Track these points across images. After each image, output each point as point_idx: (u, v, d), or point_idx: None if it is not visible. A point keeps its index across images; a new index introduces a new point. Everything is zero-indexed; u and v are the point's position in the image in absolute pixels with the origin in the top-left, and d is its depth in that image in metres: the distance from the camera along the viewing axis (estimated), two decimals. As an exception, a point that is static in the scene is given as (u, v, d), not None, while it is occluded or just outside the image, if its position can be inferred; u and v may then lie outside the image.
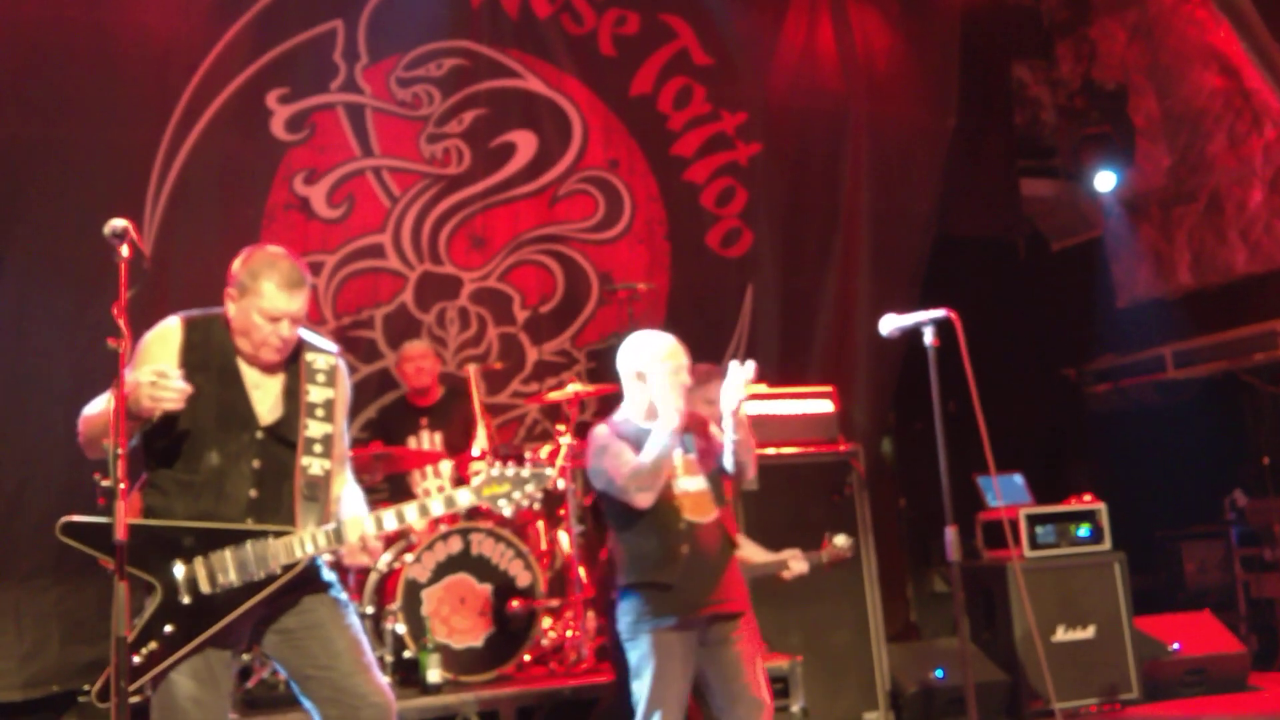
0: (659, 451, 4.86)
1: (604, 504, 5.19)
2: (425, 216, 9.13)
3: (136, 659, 3.78)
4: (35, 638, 7.56)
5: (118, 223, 3.79)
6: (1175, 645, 8.83)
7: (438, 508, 4.13)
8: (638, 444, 4.96)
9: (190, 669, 3.88)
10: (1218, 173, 10.76)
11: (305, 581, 4.07)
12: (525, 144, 9.48)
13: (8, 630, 7.52)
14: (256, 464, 4.03)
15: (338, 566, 5.00)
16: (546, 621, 7.36)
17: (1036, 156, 12.04)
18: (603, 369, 9.31)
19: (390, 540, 7.19)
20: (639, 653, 4.93)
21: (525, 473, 4.15)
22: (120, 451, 3.54)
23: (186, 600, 3.88)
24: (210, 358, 4.06)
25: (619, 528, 5.09)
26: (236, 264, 4.16)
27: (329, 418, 4.16)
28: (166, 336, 4.09)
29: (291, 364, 4.17)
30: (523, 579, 7.08)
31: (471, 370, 8.20)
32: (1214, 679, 8.75)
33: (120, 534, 3.51)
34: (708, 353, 9.80)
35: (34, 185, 7.89)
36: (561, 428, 7.97)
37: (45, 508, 7.52)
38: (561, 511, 7.63)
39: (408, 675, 6.78)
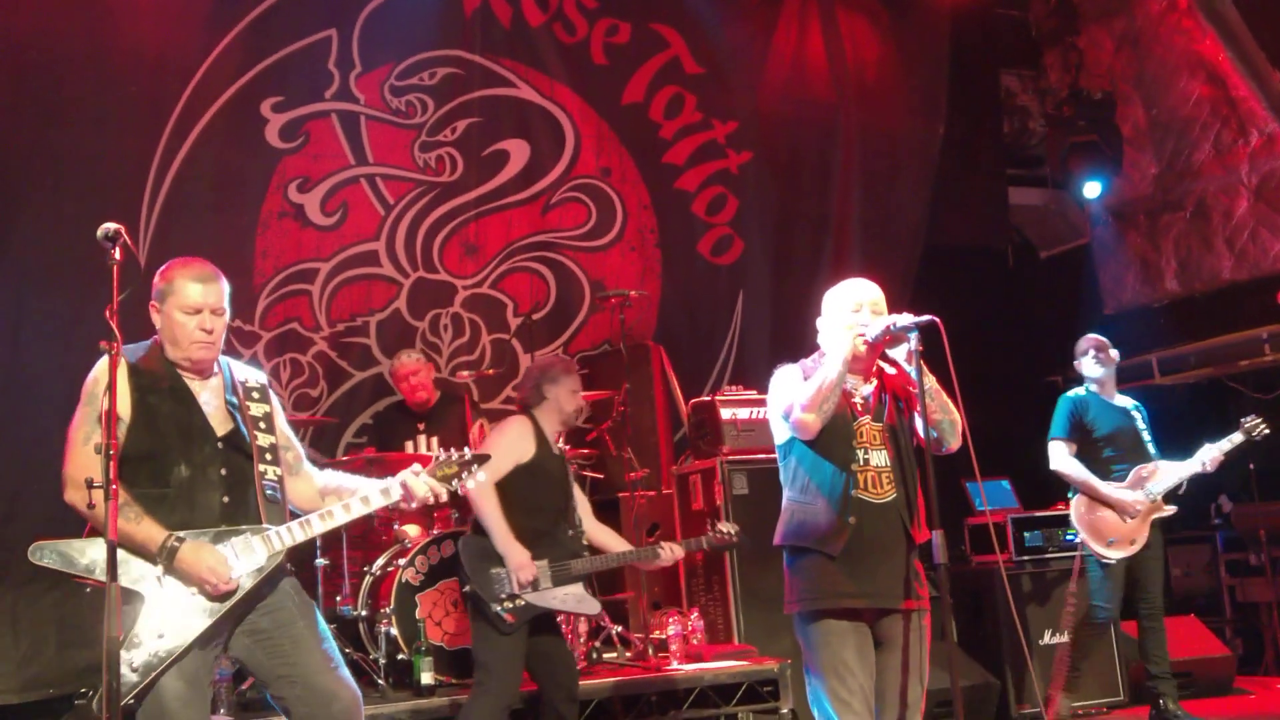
0: (820, 375, 4.62)
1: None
2: (419, 224, 9.20)
3: (133, 674, 3.88)
4: (32, 641, 7.58)
5: (110, 226, 3.94)
6: (1163, 649, 8.87)
7: (396, 490, 4.36)
8: None
9: (178, 670, 3.96)
10: (1204, 181, 10.83)
11: (280, 576, 4.24)
12: (518, 152, 9.55)
13: (4, 634, 7.54)
14: (223, 471, 4.18)
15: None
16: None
17: (1025, 165, 12.12)
18: (595, 375, 9.37)
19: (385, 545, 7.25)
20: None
21: (468, 455, 4.48)
22: (112, 453, 3.70)
23: (171, 606, 3.99)
24: (158, 380, 4.20)
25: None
26: (155, 280, 4.33)
27: (270, 429, 4.35)
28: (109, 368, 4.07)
29: (229, 383, 4.36)
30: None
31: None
32: (1200, 682, 8.79)
33: (111, 533, 3.65)
34: (699, 359, 9.94)
35: (29, 193, 7.93)
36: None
37: (41, 513, 7.52)
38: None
39: (401, 678, 6.82)
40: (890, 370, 4.90)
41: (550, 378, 6.13)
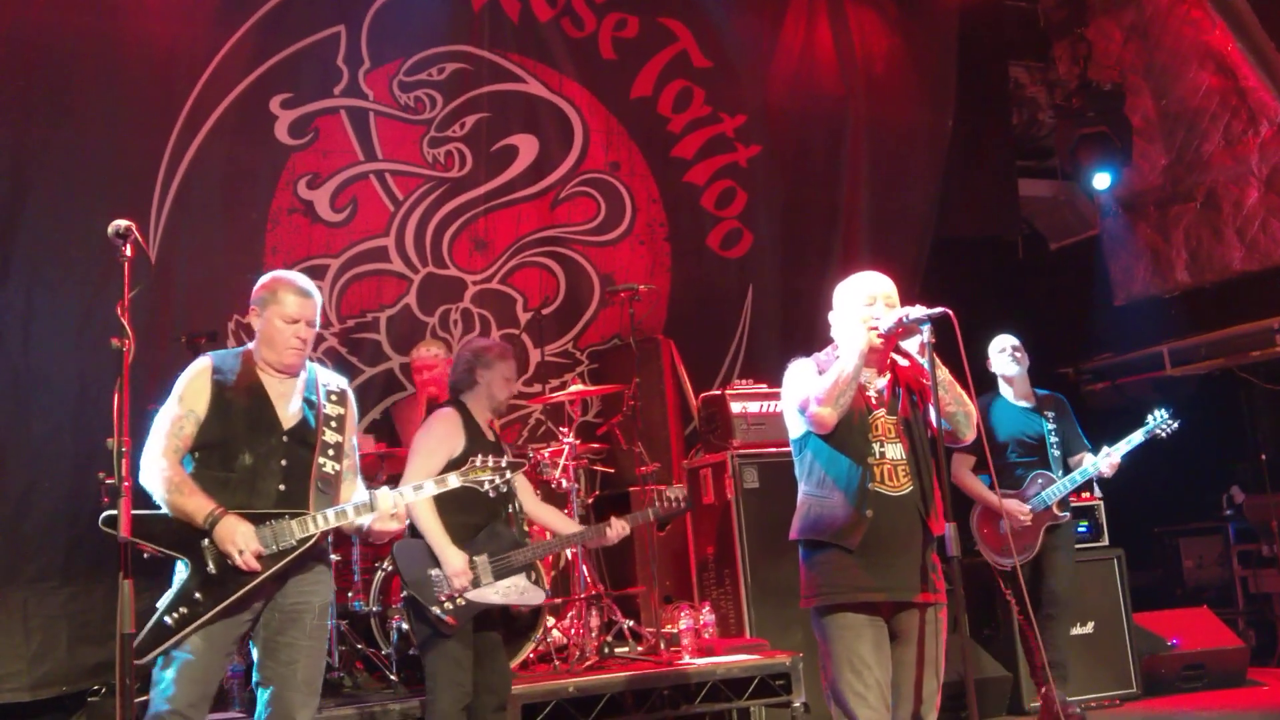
0: (836, 370, 4.64)
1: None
2: (428, 220, 9.19)
3: (169, 620, 4.39)
4: (43, 639, 7.59)
5: (120, 223, 4.20)
6: (1174, 641, 8.88)
7: (430, 488, 4.91)
8: None
9: (205, 631, 4.45)
10: (1214, 171, 10.80)
11: (315, 567, 4.72)
12: (527, 147, 9.54)
13: (16, 632, 7.55)
14: (284, 462, 4.64)
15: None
16: (550, 619, 7.40)
17: (1034, 157, 12.10)
18: (605, 370, 9.38)
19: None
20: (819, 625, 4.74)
21: (504, 462, 4.96)
22: (124, 450, 4.03)
23: (213, 570, 4.43)
24: (238, 378, 4.69)
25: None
26: (256, 288, 4.80)
27: (340, 430, 4.83)
28: (199, 371, 4.69)
29: (310, 383, 4.84)
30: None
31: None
32: (1213, 674, 8.80)
33: (125, 531, 4.07)
34: (708, 353, 9.92)
35: (40, 190, 7.93)
36: (564, 429, 8.02)
37: (52, 510, 7.59)
38: (565, 510, 7.68)
39: (413, 673, 6.82)
40: (903, 363, 4.89)
41: (484, 361, 6.04)
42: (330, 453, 4.73)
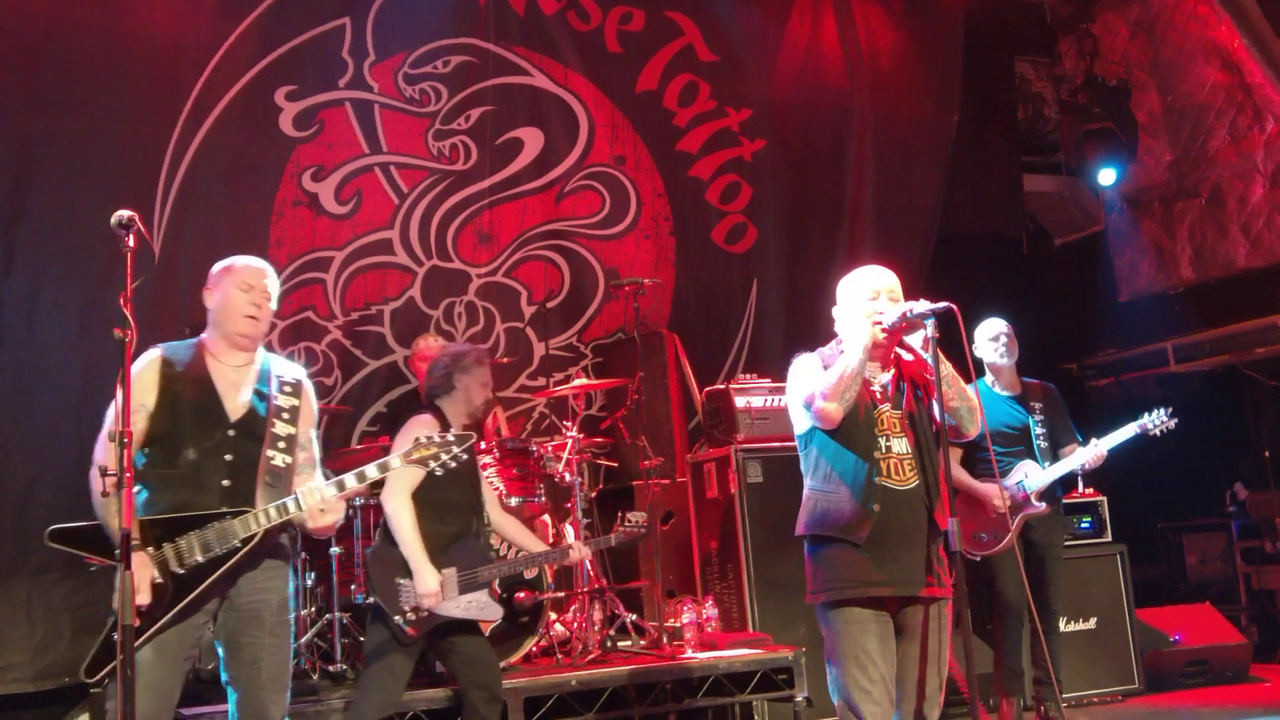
0: (841, 365, 4.62)
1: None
2: (433, 212, 9.20)
3: (117, 635, 4.10)
4: (46, 631, 7.61)
5: (123, 213, 4.11)
6: (1177, 637, 8.88)
7: (372, 472, 4.60)
8: None
9: (156, 641, 4.33)
10: (1219, 167, 10.80)
11: (267, 562, 4.56)
12: (532, 140, 9.54)
13: (19, 623, 7.57)
14: (229, 457, 4.49)
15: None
16: (553, 614, 7.41)
17: (1039, 152, 12.09)
18: (609, 364, 9.38)
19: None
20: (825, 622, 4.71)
21: (451, 437, 4.73)
22: (127, 440, 3.95)
23: (160, 580, 4.29)
24: (186, 370, 4.56)
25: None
26: (213, 271, 4.75)
27: (293, 421, 4.65)
28: (149, 365, 4.55)
29: (263, 373, 4.70)
30: (530, 571, 7.10)
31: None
32: (1215, 670, 8.80)
33: (126, 520, 3.91)
34: (713, 347, 9.92)
35: (44, 182, 7.95)
36: (567, 423, 8.02)
37: (56, 502, 7.58)
38: (568, 505, 7.69)
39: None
40: (907, 357, 4.89)
41: (462, 367, 6.05)
42: (281, 445, 4.57)
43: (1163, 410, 7.08)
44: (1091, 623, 8.42)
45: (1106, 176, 11.20)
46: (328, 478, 4.67)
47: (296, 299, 8.75)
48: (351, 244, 8.97)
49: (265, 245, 8.61)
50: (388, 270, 9.09)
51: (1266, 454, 10.52)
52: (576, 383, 8.23)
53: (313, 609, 7.08)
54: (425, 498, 5.73)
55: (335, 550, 6.95)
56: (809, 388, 4.71)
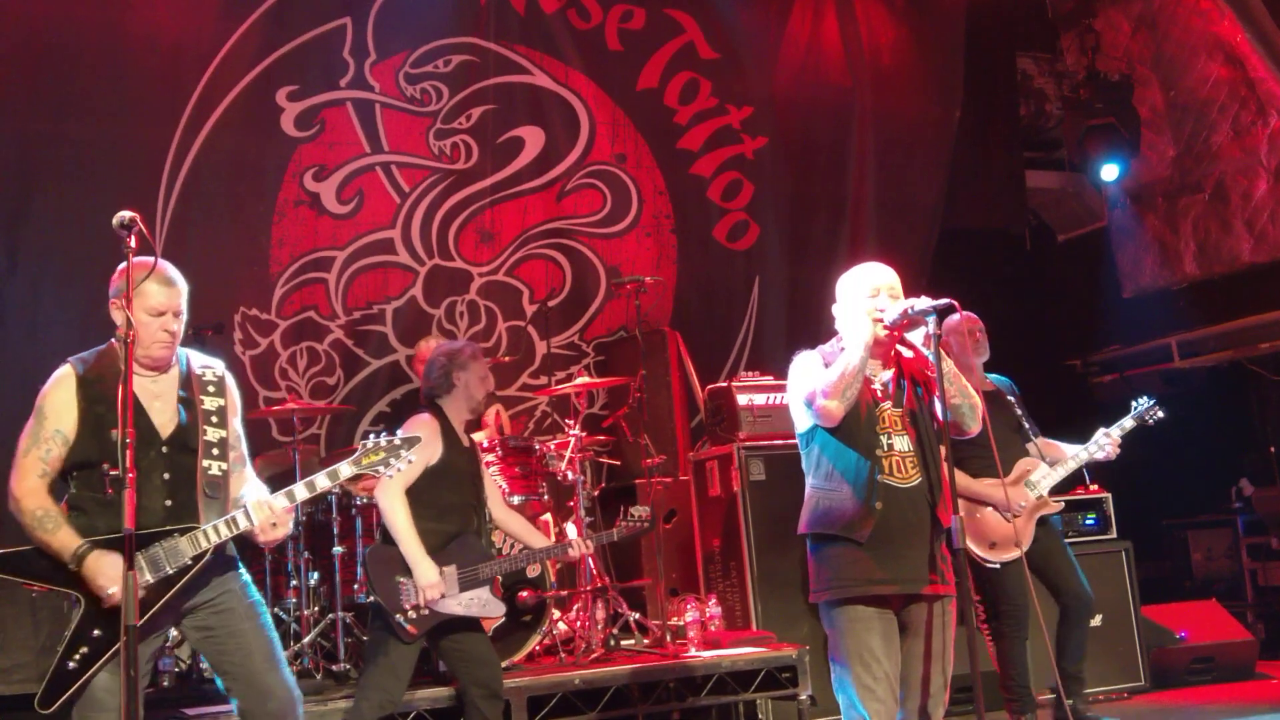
0: (842, 362, 4.59)
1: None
2: (434, 211, 9.20)
3: (71, 664, 4.14)
4: (50, 631, 7.59)
5: (125, 214, 4.05)
6: (1183, 634, 8.85)
7: (323, 481, 4.51)
8: None
9: (111, 664, 4.18)
10: (1223, 163, 10.79)
11: (217, 569, 4.43)
12: (533, 139, 9.54)
13: (24, 624, 7.56)
14: (166, 475, 4.34)
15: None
16: (556, 612, 7.40)
17: (1042, 148, 12.08)
18: (611, 362, 9.37)
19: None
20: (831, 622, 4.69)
21: (398, 440, 4.61)
22: (129, 441, 3.87)
23: (108, 605, 4.13)
24: (107, 388, 4.31)
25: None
26: (114, 278, 4.45)
27: (223, 424, 4.51)
28: (61, 382, 4.39)
29: (184, 376, 4.53)
30: (532, 570, 7.10)
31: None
32: (1221, 667, 8.77)
33: (129, 522, 3.84)
34: (715, 345, 9.92)
35: (46, 183, 7.97)
36: (570, 421, 8.01)
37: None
38: (570, 503, 7.68)
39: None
40: (907, 354, 4.87)
41: (459, 364, 6.05)
42: (215, 453, 4.42)
43: (1146, 398, 7.02)
44: (1097, 620, 8.34)
45: (1109, 172, 11.19)
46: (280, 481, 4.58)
47: (299, 299, 8.76)
48: (353, 243, 8.97)
49: (267, 245, 8.63)
50: (389, 269, 9.09)
51: (1272, 449, 10.50)
52: (578, 381, 8.22)
53: (316, 609, 7.08)
54: (422, 496, 5.75)
55: (338, 550, 6.95)
56: (810, 385, 4.69)
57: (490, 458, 7.30)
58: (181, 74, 8.44)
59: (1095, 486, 8.67)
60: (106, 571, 4.08)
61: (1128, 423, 6.93)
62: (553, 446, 7.66)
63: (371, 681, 5.76)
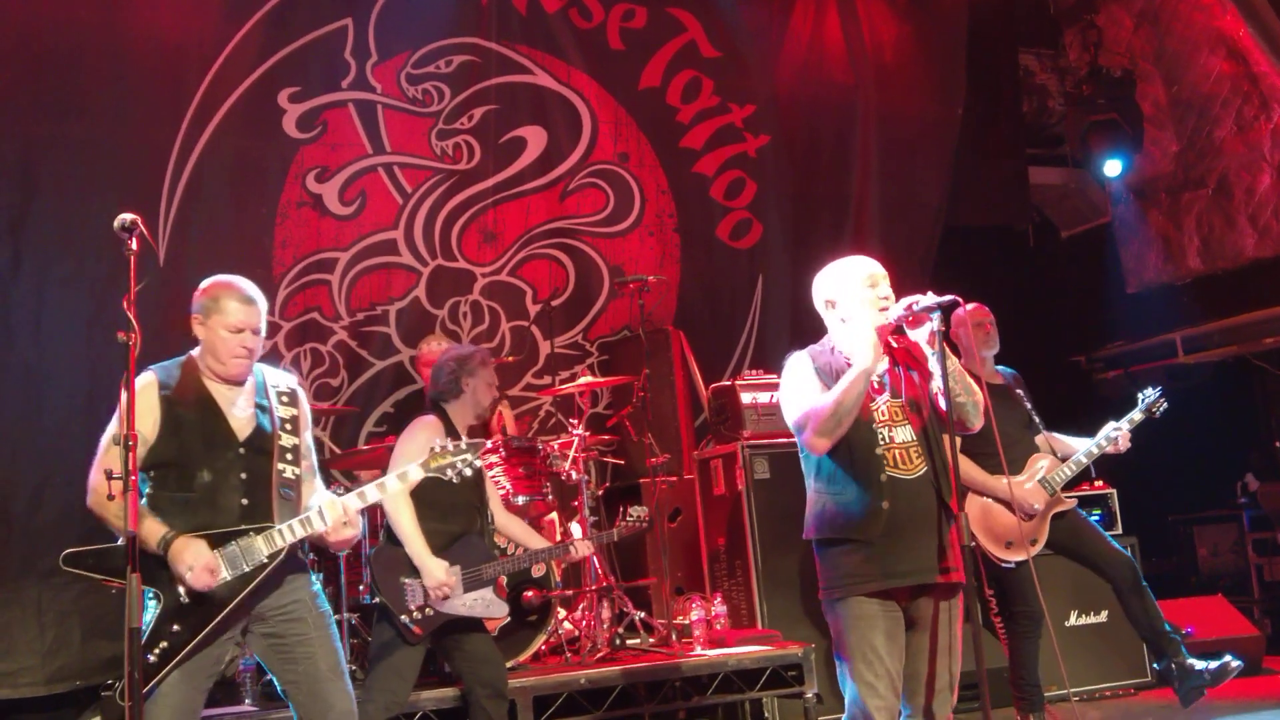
0: (841, 394, 4.48)
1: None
2: (437, 212, 9.19)
3: (151, 658, 4.24)
4: (57, 634, 7.62)
5: (126, 216, 4.14)
6: (1189, 629, 8.81)
7: (393, 484, 4.68)
8: (834, 376, 4.64)
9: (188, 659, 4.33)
10: (1226, 158, 10.77)
11: (290, 570, 4.58)
12: (535, 139, 9.53)
13: (30, 626, 7.58)
14: (243, 475, 4.51)
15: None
16: (561, 611, 7.40)
17: (1045, 144, 12.07)
18: (615, 361, 9.37)
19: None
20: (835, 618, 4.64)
21: (464, 445, 4.73)
22: (132, 444, 3.98)
23: (186, 600, 4.32)
24: (186, 393, 4.55)
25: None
26: (197, 294, 4.66)
27: (295, 432, 4.69)
28: (144, 389, 4.46)
29: (260, 387, 4.71)
30: (537, 570, 7.10)
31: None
32: (1228, 663, 8.76)
33: (131, 523, 3.96)
34: (718, 344, 9.91)
35: (49, 185, 7.96)
36: (574, 421, 8.01)
37: (64, 505, 7.58)
38: (575, 503, 7.68)
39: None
40: (895, 344, 4.84)
41: (468, 370, 6.09)
42: (289, 457, 4.62)
43: (1151, 389, 6.98)
44: (1103, 615, 8.38)
45: (1112, 168, 11.20)
46: (328, 483, 4.68)
47: (302, 300, 8.76)
48: (356, 244, 8.97)
49: (270, 246, 8.63)
50: (393, 270, 9.09)
51: (1277, 444, 10.49)
52: (582, 380, 8.21)
53: (321, 610, 7.07)
54: (425, 497, 5.73)
55: (343, 551, 6.95)
56: (800, 409, 4.64)
57: (494, 458, 7.30)
58: (184, 76, 8.44)
59: (1101, 482, 8.67)
60: (185, 555, 4.25)
61: (1136, 415, 6.88)
62: (557, 446, 7.66)
63: (377, 683, 5.76)
